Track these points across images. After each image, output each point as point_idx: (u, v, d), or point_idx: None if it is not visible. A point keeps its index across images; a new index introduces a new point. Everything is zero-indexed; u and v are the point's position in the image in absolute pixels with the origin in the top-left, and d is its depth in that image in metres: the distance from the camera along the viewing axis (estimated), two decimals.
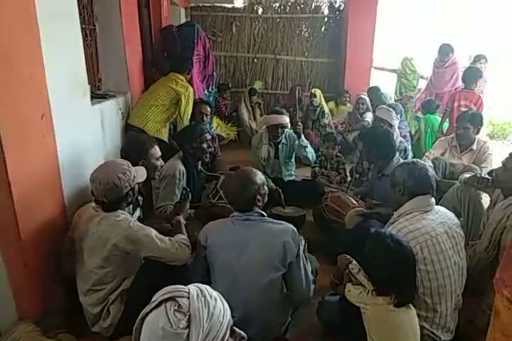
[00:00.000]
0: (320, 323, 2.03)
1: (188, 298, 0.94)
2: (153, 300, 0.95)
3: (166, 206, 2.64)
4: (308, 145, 3.65)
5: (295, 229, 1.83)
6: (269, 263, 1.76)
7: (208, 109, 3.69)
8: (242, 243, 1.77)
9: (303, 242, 1.92)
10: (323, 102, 5.42)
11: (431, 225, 1.80)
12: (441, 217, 1.87)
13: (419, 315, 1.69)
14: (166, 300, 0.92)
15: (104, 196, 1.81)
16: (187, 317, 0.91)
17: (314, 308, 2.05)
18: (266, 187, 1.93)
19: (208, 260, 1.85)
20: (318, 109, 5.20)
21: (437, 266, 1.74)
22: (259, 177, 1.91)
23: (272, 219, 1.86)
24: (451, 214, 1.96)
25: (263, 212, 1.88)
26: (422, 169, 1.92)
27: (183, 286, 0.98)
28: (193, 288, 0.98)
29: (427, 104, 4.90)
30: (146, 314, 0.93)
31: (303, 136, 3.59)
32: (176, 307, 0.91)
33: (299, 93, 5.08)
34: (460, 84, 4.97)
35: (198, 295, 0.95)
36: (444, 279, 1.75)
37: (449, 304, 1.78)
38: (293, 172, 3.85)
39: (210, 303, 0.96)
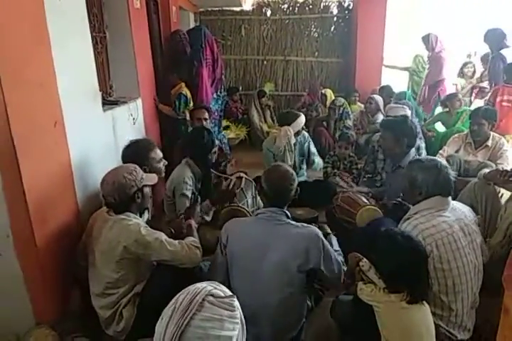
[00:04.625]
0: (334, 323, 2.01)
1: (215, 287, 0.97)
2: (185, 307, 0.91)
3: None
4: (316, 153, 3.69)
5: (319, 233, 1.79)
6: (289, 267, 1.74)
7: (206, 113, 3.65)
8: (263, 243, 1.76)
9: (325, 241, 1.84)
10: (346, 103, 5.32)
11: (447, 222, 1.78)
12: (457, 213, 1.85)
13: (434, 314, 1.67)
14: (203, 299, 0.93)
15: (112, 196, 1.86)
16: (233, 298, 0.96)
17: (328, 309, 2.04)
18: None
19: (227, 257, 1.85)
20: (342, 108, 5.04)
21: (453, 264, 1.72)
22: None
23: (295, 222, 1.83)
24: (467, 211, 1.94)
25: (287, 213, 1.86)
26: (446, 174, 1.87)
27: (196, 285, 0.98)
28: (206, 283, 1.00)
29: None
30: (190, 320, 0.90)
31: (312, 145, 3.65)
32: (219, 298, 0.94)
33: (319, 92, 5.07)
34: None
35: (216, 284, 1.00)
36: (460, 277, 1.73)
37: (465, 302, 1.75)
38: (305, 172, 3.84)
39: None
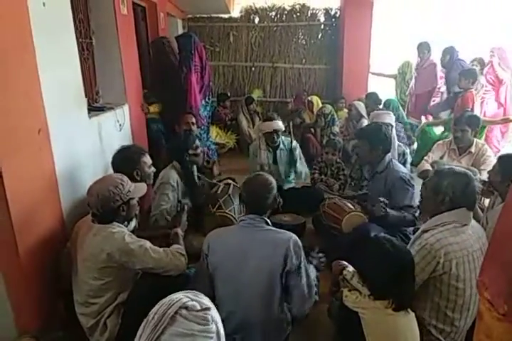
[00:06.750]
0: (320, 334, 2.00)
1: (192, 299, 0.94)
2: (157, 320, 0.90)
3: (161, 212, 2.64)
4: (303, 160, 3.71)
5: (296, 237, 1.81)
6: (269, 271, 1.75)
7: (193, 118, 3.77)
8: (242, 250, 1.77)
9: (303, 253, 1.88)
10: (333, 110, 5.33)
11: (469, 241, 1.73)
12: (476, 231, 1.81)
13: (436, 327, 1.67)
14: (176, 312, 0.91)
15: (96, 208, 1.83)
16: (209, 311, 0.94)
17: (314, 320, 2.03)
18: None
19: (209, 268, 1.84)
20: (329, 116, 5.08)
21: (468, 284, 1.70)
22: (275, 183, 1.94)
23: (274, 228, 1.86)
24: (481, 228, 1.90)
25: (267, 220, 1.88)
26: (474, 186, 1.77)
27: (172, 296, 0.96)
28: (181, 294, 0.98)
29: None
30: (160, 335, 0.89)
31: (298, 149, 3.67)
32: (193, 311, 0.91)
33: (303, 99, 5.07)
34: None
35: (193, 294, 0.97)
36: (470, 297, 1.72)
37: (468, 320, 1.74)
38: (293, 180, 3.85)
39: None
